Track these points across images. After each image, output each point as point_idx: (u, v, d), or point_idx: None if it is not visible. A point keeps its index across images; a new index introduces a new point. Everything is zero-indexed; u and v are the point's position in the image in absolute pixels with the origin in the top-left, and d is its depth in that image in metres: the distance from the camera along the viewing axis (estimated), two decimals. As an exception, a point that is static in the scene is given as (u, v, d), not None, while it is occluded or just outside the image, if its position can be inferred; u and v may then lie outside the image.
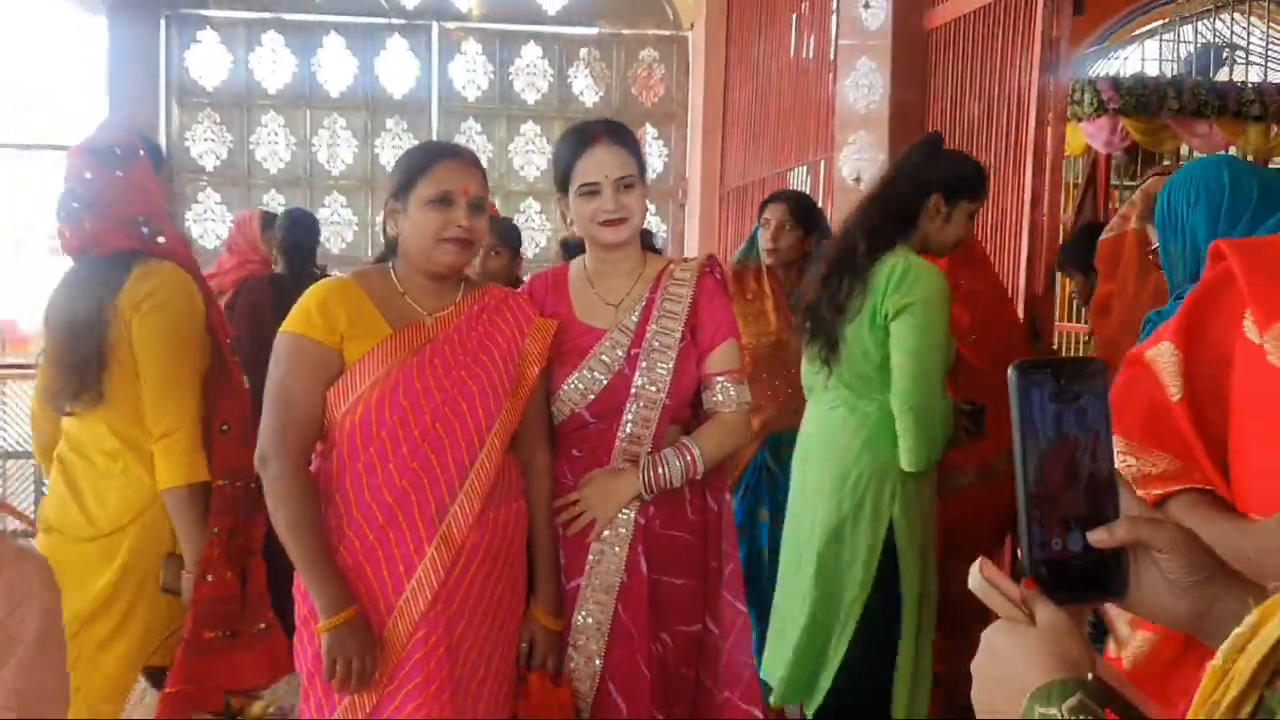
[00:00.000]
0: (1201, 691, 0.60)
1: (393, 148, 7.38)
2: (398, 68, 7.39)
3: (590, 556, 2.09)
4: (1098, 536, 0.81)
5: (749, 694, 2.19)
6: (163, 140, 7.02)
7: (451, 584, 1.92)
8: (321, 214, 7.18)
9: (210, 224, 7.22)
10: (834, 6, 5.25)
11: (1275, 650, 0.55)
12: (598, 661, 2.07)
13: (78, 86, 7.55)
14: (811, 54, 5.74)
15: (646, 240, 2.23)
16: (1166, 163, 7.54)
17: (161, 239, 2.38)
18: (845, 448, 2.57)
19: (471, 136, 7.38)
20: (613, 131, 2.12)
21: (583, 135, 2.11)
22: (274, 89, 7.24)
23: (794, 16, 6.00)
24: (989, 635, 0.80)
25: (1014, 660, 0.76)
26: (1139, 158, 7.50)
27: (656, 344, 2.11)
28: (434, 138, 7.35)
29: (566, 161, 2.11)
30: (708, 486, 2.18)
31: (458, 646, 1.92)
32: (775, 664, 2.69)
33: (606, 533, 2.09)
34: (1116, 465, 0.82)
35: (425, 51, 7.40)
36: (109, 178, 2.32)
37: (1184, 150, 7.68)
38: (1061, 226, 4.56)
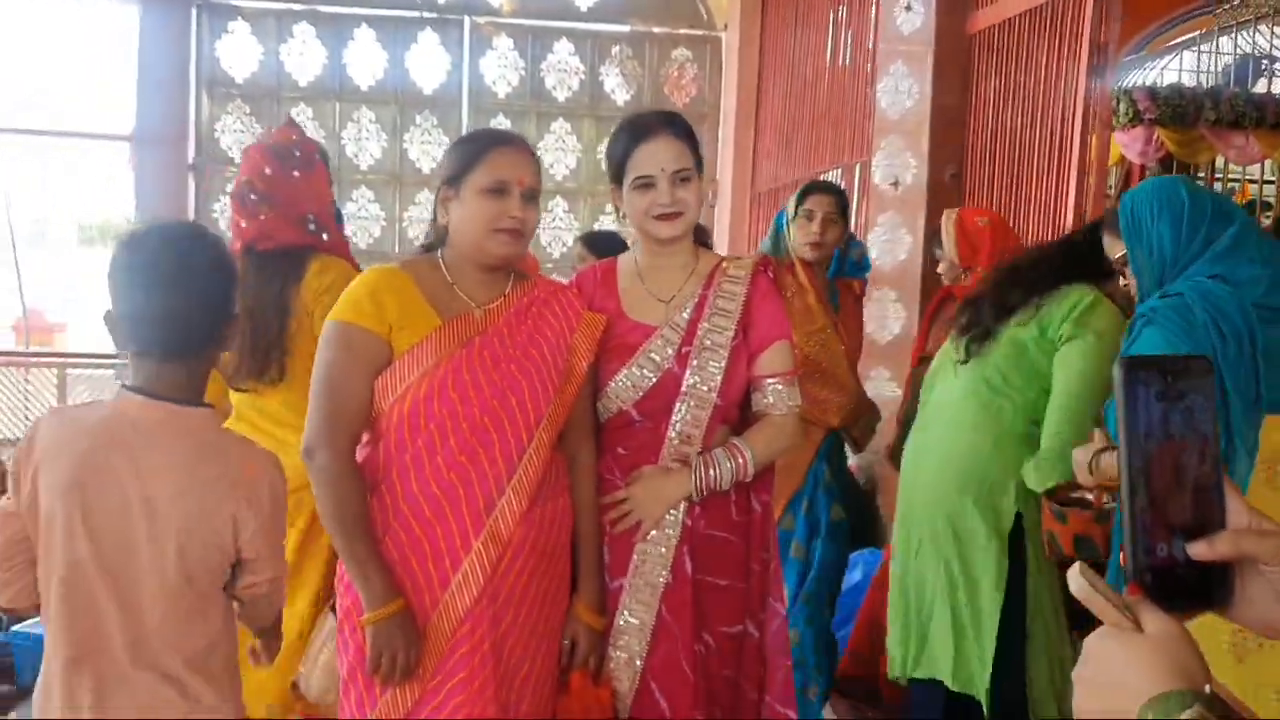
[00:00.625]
0: None
1: (422, 143, 7.36)
2: (428, 62, 7.37)
3: (635, 556, 2.06)
4: (1198, 550, 0.78)
5: (784, 696, 2.15)
6: (191, 130, 7.04)
7: (498, 579, 1.88)
8: (349, 208, 7.19)
9: (238, 215, 7.20)
10: (873, 9, 5.21)
11: None
12: (639, 662, 2.03)
13: (108, 75, 7.55)
14: (848, 57, 5.70)
15: (700, 235, 2.18)
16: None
17: (326, 236, 2.53)
18: (973, 444, 2.52)
19: (502, 133, 7.35)
20: (670, 123, 2.08)
21: (639, 127, 2.07)
22: (304, 81, 7.23)
23: (831, 19, 5.96)
24: (1094, 643, 0.76)
25: (1125, 669, 0.73)
26: (1173, 168, 7.42)
27: (709, 342, 2.07)
28: (464, 132, 7.32)
29: (622, 153, 2.07)
30: (752, 488, 2.14)
31: (502, 642, 1.89)
32: (906, 643, 2.65)
33: (653, 533, 2.06)
34: None
35: (456, 46, 7.38)
36: (287, 177, 2.49)
37: (1219, 162, 7.61)
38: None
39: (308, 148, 2.56)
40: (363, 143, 7.32)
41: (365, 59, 7.28)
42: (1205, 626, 2.06)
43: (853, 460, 4.97)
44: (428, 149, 7.38)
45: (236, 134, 7.16)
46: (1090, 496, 2.39)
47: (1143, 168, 7.28)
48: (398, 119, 7.34)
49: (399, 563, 1.88)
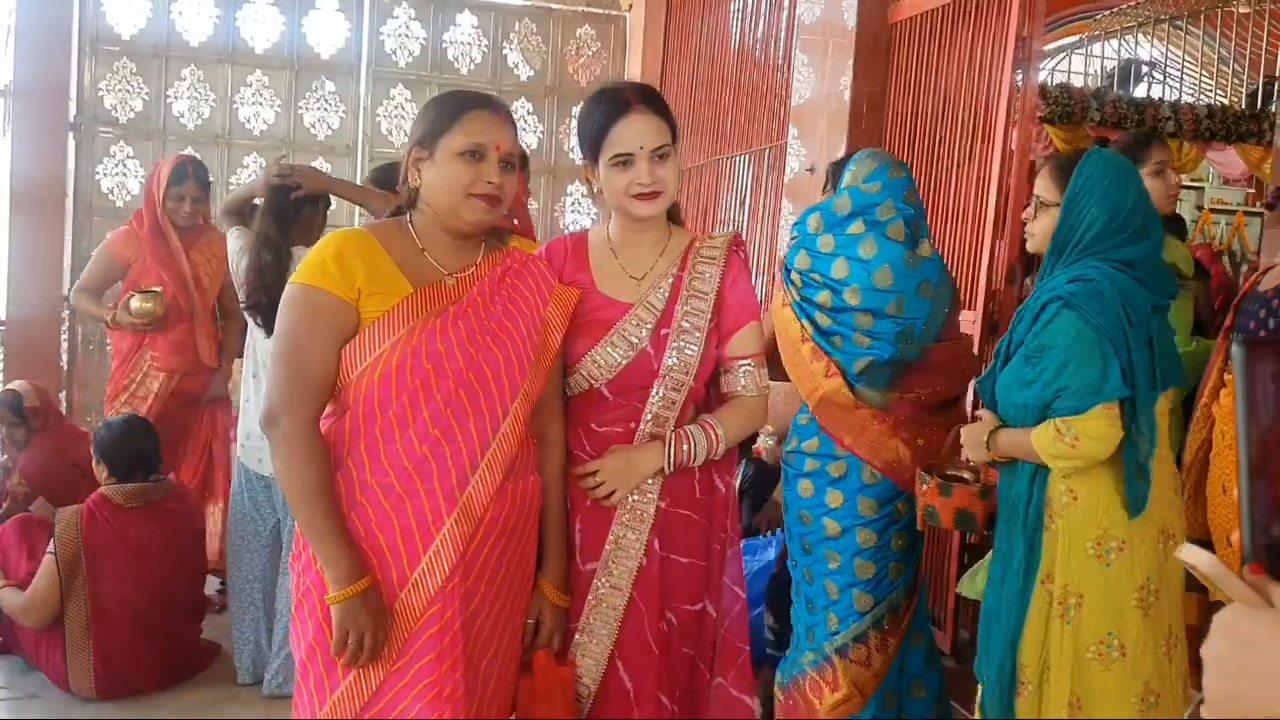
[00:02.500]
0: None
1: (317, 109, 7.14)
2: (326, 28, 7.14)
3: (609, 540, 2.03)
4: None
5: (742, 680, 2.16)
6: (73, 89, 6.67)
7: (469, 557, 1.83)
8: (241, 175, 6.93)
9: (121, 179, 6.88)
10: (789, -5, 5.24)
11: None
12: (608, 644, 2.01)
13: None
14: (760, 42, 5.72)
15: (672, 213, 2.15)
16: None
17: (517, 222, 2.79)
18: None
19: (401, 104, 7.19)
20: (647, 98, 2.04)
21: (616, 101, 2.02)
22: (195, 41, 6.92)
23: (741, 4, 5.98)
24: (1227, 620, 0.75)
25: (1271, 647, 0.71)
26: (1058, 165, 7.68)
27: (687, 325, 2.05)
28: (362, 103, 7.14)
29: (597, 129, 2.02)
30: (716, 468, 2.13)
31: (471, 622, 1.84)
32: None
33: (628, 516, 2.03)
34: None
35: (356, 13, 7.16)
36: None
37: (1101, 161, 7.92)
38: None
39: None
40: (256, 108, 7.05)
41: (260, 22, 7.01)
42: (1113, 581, 2.18)
43: (763, 442, 5.04)
44: (324, 116, 7.16)
45: (121, 94, 6.81)
46: (968, 475, 2.57)
47: (1032, 161, 7.52)
48: (293, 84, 7.09)
49: (365, 539, 1.80)
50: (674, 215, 2.16)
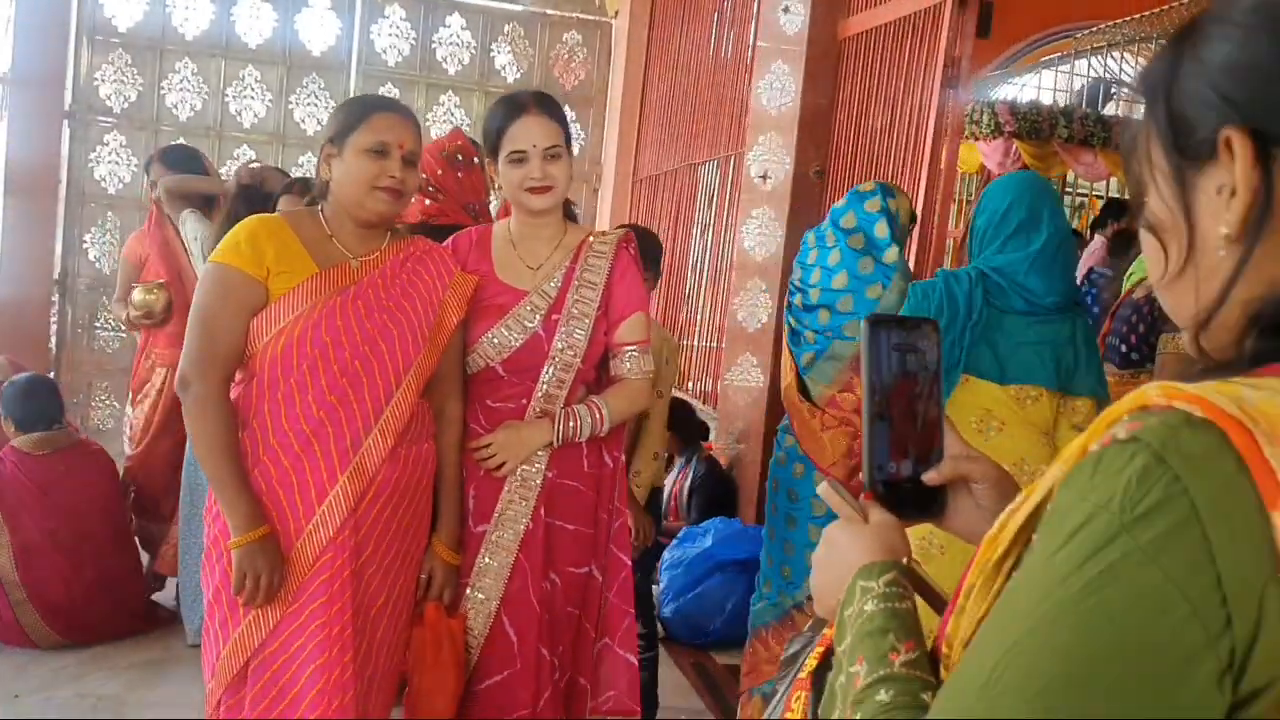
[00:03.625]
0: (979, 556, 0.73)
1: (307, 105, 7.33)
2: (318, 25, 7.35)
3: (499, 505, 2.23)
4: (929, 476, 0.96)
5: (626, 641, 2.36)
6: (69, 79, 6.89)
7: (360, 513, 2.03)
8: (232, 166, 7.13)
9: (114, 167, 7.09)
10: (754, 9, 5.44)
11: (1034, 513, 0.68)
12: (495, 602, 2.21)
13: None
14: (730, 53, 5.92)
15: (567, 210, 2.38)
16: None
17: (479, 220, 2.98)
18: None
19: (389, 102, 7.38)
20: (542, 103, 2.26)
21: (513, 104, 2.24)
22: (190, 35, 7.13)
23: (715, 15, 6.19)
24: (830, 531, 0.94)
25: (848, 549, 0.90)
26: (1029, 181, 7.86)
27: (576, 311, 2.26)
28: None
29: (497, 128, 2.24)
30: (604, 444, 2.34)
31: (361, 572, 2.04)
32: None
33: (517, 484, 2.24)
34: None
35: (348, 12, 7.36)
36: (452, 175, 3.06)
37: (1069, 176, 8.11)
38: (951, 240, 4.83)
39: (468, 153, 3.13)
40: (246, 101, 7.26)
41: (254, 17, 7.22)
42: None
43: (717, 441, 5.23)
44: (313, 111, 7.36)
45: (116, 84, 7.03)
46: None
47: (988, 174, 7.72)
48: (284, 80, 7.30)
49: (266, 493, 2.01)
50: (569, 213, 2.37)
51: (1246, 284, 0.68)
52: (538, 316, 2.26)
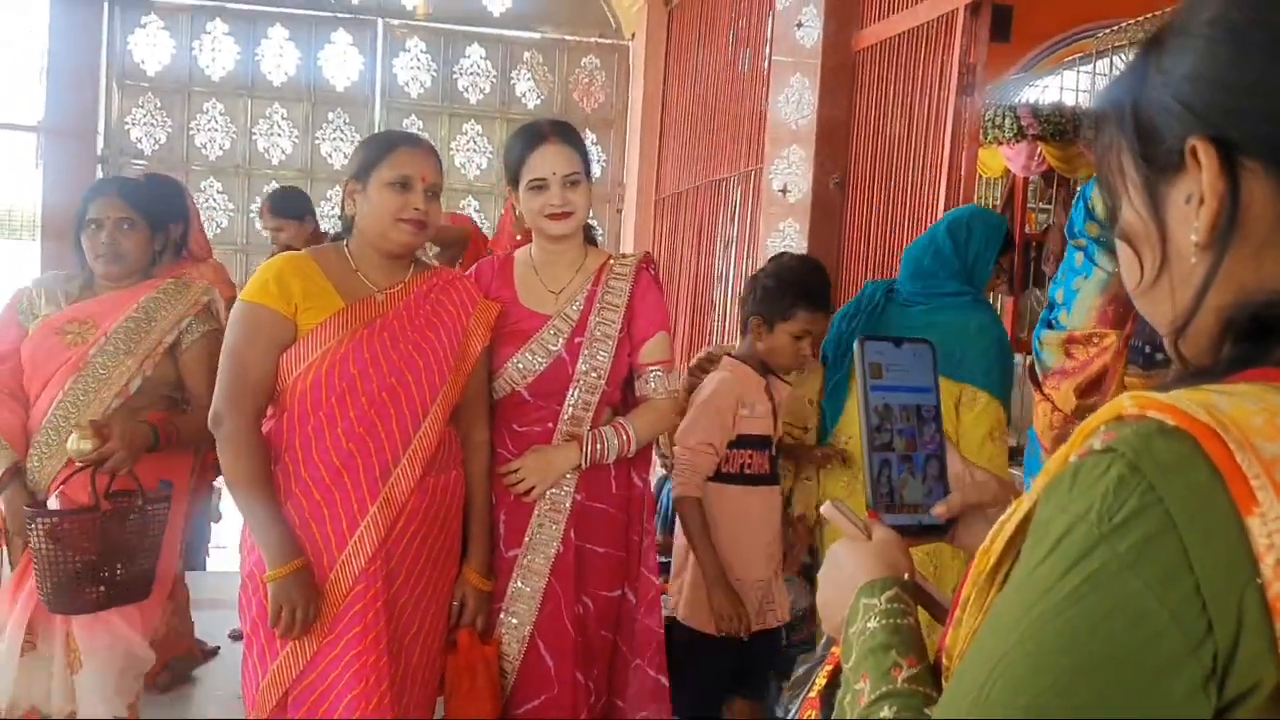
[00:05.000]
0: (973, 569, 0.74)
1: (333, 140, 7.45)
2: (341, 61, 7.46)
3: (529, 529, 2.26)
4: (937, 510, 0.96)
5: (656, 660, 2.38)
6: (101, 123, 7.03)
7: (391, 543, 2.07)
8: (255, 204, 7.25)
9: (146, 208, 7.21)
10: (769, 24, 5.47)
11: (1022, 524, 0.69)
12: (529, 626, 2.24)
13: (15, 65, 7.49)
14: (747, 68, 5.95)
15: (588, 234, 2.43)
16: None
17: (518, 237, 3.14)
18: None
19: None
20: (561, 131, 2.30)
21: (533, 133, 2.29)
22: (216, 76, 7.27)
23: (730, 32, 6.22)
24: (834, 549, 0.94)
25: (851, 566, 0.90)
26: (1055, 182, 7.84)
27: (599, 333, 2.29)
28: (376, 131, 7.43)
29: (517, 157, 2.28)
30: (633, 465, 2.36)
31: (394, 601, 2.07)
32: None
33: (547, 508, 2.27)
34: None
35: (370, 46, 7.47)
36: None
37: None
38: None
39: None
40: (274, 138, 7.38)
41: (278, 56, 7.35)
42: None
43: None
44: (339, 146, 7.47)
45: (147, 127, 7.17)
46: None
47: (1026, 180, 7.67)
48: (310, 116, 7.42)
49: (300, 526, 2.05)
50: (590, 237, 2.40)
51: (1219, 291, 0.69)
52: (561, 340, 2.29)
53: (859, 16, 4.58)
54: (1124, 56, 8.17)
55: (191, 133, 7.25)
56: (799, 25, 4.82)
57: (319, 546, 2.05)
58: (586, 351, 2.29)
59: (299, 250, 3.72)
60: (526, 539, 2.27)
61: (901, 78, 4.24)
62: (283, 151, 7.40)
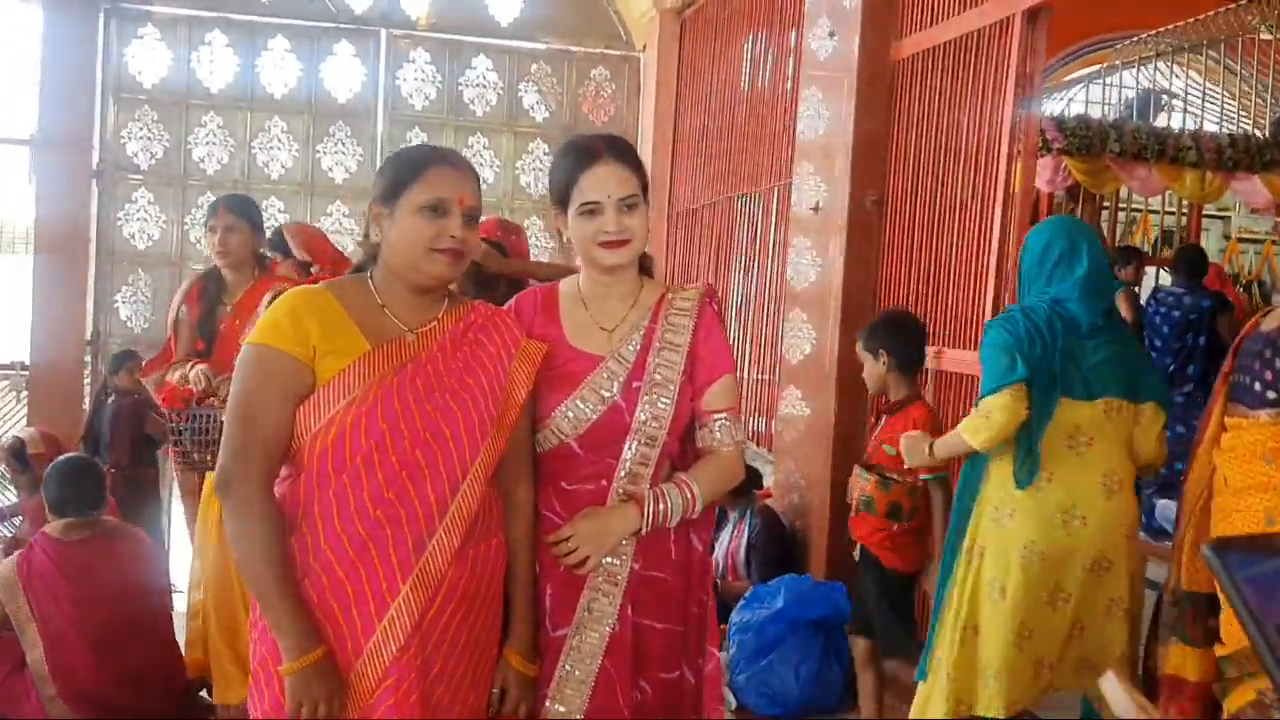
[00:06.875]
0: None
1: (335, 154, 7.23)
2: (343, 73, 7.24)
3: (581, 605, 1.97)
4: None
5: None
6: (96, 136, 6.79)
7: (427, 626, 1.78)
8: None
9: (143, 224, 6.98)
10: (793, 35, 5.23)
11: None
12: (580, 715, 1.94)
13: (8, 78, 7.25)
14: (768, 81, 5.71)
15: (643, 264, 2.13)
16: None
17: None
18: None
19: (418, 147, 7.25)
20: (616, 148, 2.01)
21: (585, 150, 2.00)
22: (215, 89, 7.04)
23: (750, 45, 5.98)
24: None
25: None
26: (1080, 197, 7.61)
27: (659, 377, 2.00)
28: (379, 146, 7.20)
29: (566, 177, 2.00)
30: (693, 526, 2.08)
31: (430, 692, 1.79)
32: None
33: (601, 579, 1.97)
34: None
35: (373, 58, 7.26)
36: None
37: (1123, 192, 7.82)
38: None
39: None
40: (273, 152, 7.16)
41: (278, 68, 7.12)
42: (1004, 540, 2.84)
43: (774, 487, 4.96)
44: (341, 160, 7.25)
45: (143, 140, 6.94)
46: (896, 476, 3.29)
47: (1051, 195, 7.44)
48: (311, 129, 7.19)
49: (320, 607, 1.76)
50: (646, 267, 2.12)
51: None
52: (616, 384, 2.00)
53: (898, 26, 4.33)
54: (1149, 69, 7.96)
55: (189, 146, 7.02)
56: (831, 35, 4.58)
57: (343, 632, 1.75)
58: (646, 398, 1.99)
59: (242, 261, 3.61)
60: (578, 616, 1.97)
61: (946, 89, 3.99)
62: (283, 165, 7.18)
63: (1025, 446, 2.77)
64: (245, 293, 3.65)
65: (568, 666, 1.96)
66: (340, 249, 4.27)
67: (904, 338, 3.42)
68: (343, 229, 7.18)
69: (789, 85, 5.32)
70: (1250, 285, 8.55)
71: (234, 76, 7.05)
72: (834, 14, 4.55)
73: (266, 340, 1.80)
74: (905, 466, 3.18)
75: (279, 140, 7.17)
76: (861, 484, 3.33)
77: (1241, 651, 2.47)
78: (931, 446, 3.01)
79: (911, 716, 3.00)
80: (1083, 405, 2.77)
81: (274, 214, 7.08)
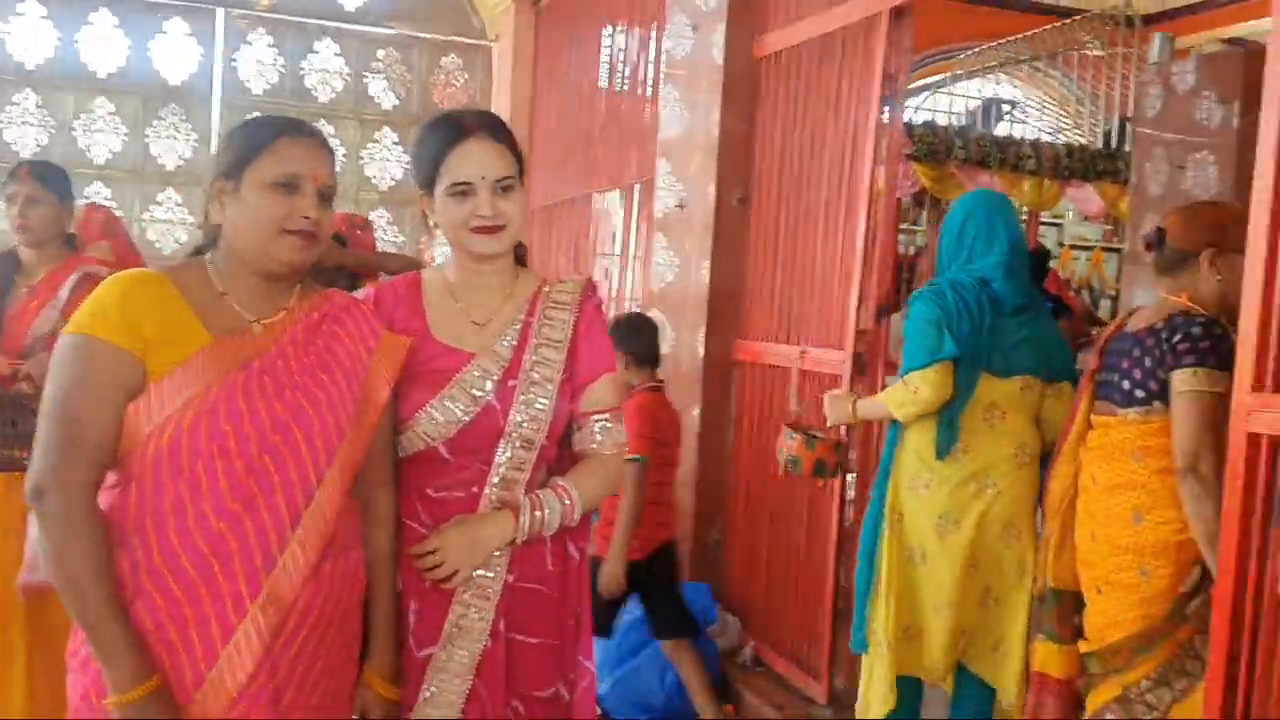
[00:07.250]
0: None
1: (167, 138, 6.81)
2: (176, 52, 6.81)
3: (449, 621, 1.81)
4: None
5: None
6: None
7: (278, 650, 1.59)
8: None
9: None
10: (653, 30, 5.14)
11: None
12: None
13: None
14: (628, 76, 5.60)
15: (518, 253, 1.97)
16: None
17: None
18: None
19: (258, 133, 6.88)
20: (489, 124, 1.86)
21: (455, 125, 1.83)
22: (31, 64, 6.51)
23: (609, 38, 5.86)
24: None
25: None
26: (925, 203, 7.79)
27: (536, 376, 1.85)
28: (215, 130, 6.80)
29: (433, 154, 1.83)
30: (570, 534, 1.93)
31: (281, 722, 1.60)
32: None
33: (469, 594, 1.81)
34: None
35: (208, 38, 6.85)
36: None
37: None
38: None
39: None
40: (97, 135, 6.67)
41: (103, 44, 6.64)
42: (920, 508, 2.89)
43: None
44: (173, 145, 6.82)
45: (-56, 119, 6.36)
46: (820, 434, 3.42)
47: (899, 200, 7.57)
48: (140, 111, 6.73)
49: (153, 632, 1.55)
50: (521, 257, 1.97)
51: None
52: (489, 383, 1.84)
53: (762, 21, 4.28)
54: (990, 79, 8.22)
55: (1, 126, 6.46)
56: (694, 29, 4.49)
57: (181, 660, 1.55)
58: (522, 398, 1.84)
59: (44, 240, 3.14)
60: (445, 633, 1.80)
61: (811, 87, 3.96)
62: (110, 150, 6.71)
63: (947, 418, 2.86)
64: (48, 273, 3.15)
65: (434, 688, 1.80)
66: (132, 244, 3.84)
67: (638, 337, 3.66)
68: (174, 218, 6.75)
69: (648, 80, 5.22)
70: (1080, 290, 8.94)
71: (54, 51, 6.54)
72: (694, 9, 4.47)
73: (90, 330, 1.58)
74: (827, 424, 3.29)
75: (104, 122, 6.69)
76: (788, 443, 3.40)
77: (1105, 648, 2.50)
78: (855, 405, 3.11)
79: (861, 690, 3.11)
80: (1001, 381, 2.87)
81: (99, 202, 6.60)
